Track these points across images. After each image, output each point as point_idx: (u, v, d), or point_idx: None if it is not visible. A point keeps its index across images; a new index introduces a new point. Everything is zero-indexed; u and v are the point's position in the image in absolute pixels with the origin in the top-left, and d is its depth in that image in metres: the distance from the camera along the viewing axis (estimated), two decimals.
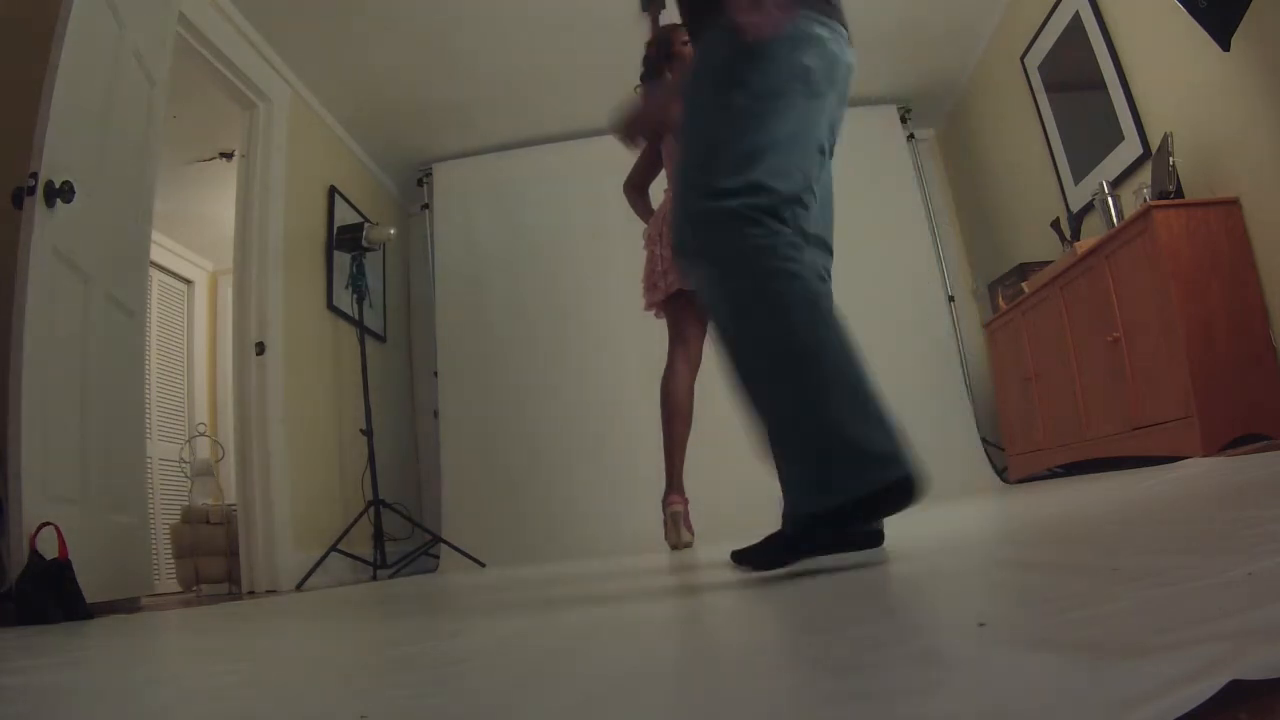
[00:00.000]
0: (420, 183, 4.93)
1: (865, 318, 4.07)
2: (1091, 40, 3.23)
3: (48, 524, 1.97)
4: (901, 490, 1.11)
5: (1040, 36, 3.63)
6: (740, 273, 1.22)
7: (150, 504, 2.92)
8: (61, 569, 1.96)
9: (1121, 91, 3.09)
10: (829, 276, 1.50)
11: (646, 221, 3.00)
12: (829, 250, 1.51)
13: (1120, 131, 3.14)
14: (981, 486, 3.79)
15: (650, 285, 2.89)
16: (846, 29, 1.40)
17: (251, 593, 3.25)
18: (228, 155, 4.50)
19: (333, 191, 4.24)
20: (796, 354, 1.17)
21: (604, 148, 2.77)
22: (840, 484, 1.12)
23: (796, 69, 1.29)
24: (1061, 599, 0.69)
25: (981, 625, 0.60)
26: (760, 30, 1.26)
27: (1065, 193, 3.66)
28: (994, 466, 3.98)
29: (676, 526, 2.69)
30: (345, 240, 3.96)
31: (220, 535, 3.96)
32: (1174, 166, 2.69)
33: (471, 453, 4.30)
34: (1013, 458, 3.87)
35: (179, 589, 4.08)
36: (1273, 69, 2.37)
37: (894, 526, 1.35)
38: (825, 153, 1.40)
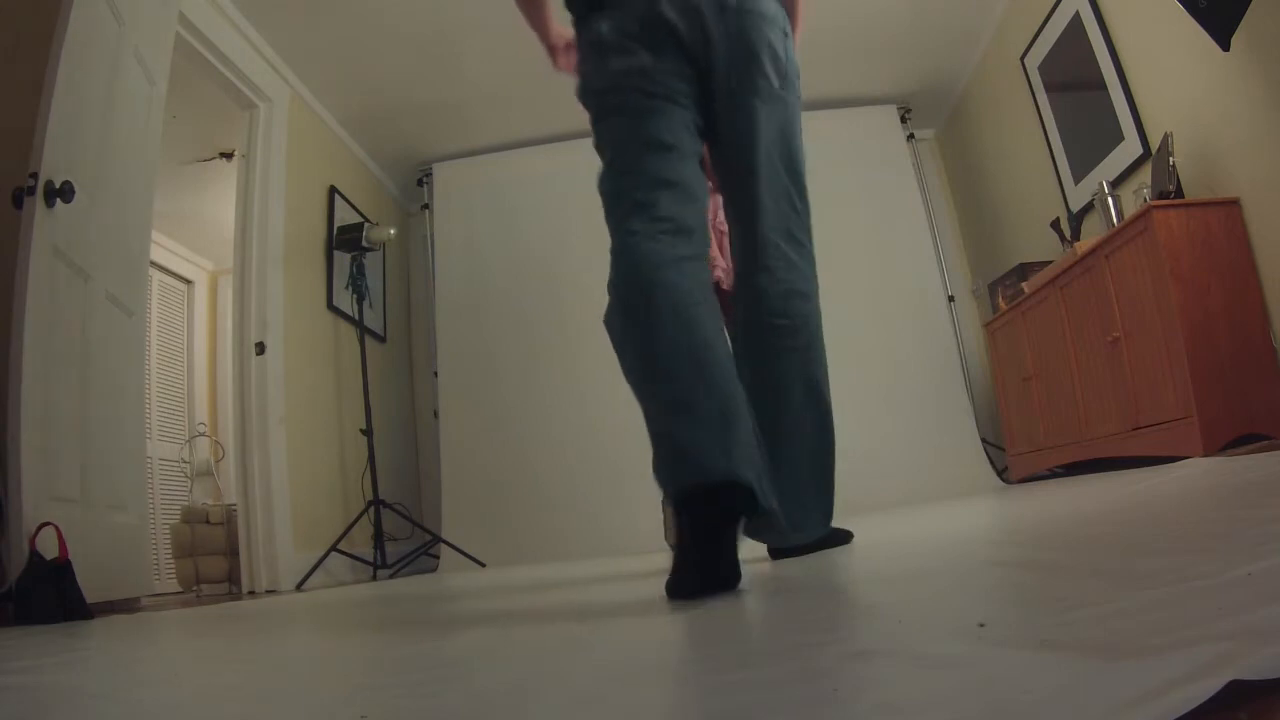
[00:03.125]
0: (420, 183, 4.93)
1: (865, 318, 4.16)
2: (1091, 40, 3.23)
3: (48, 524, 1.97)
4: (708, 495, 1.10)
5: (1040, 37, 3.62)
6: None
7: (150, 504, 2.92)
8: (61, 569, 1.96)
9: (1121, 91, 3.09)
10: (696, 258, 1.38)
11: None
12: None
13: (1120, 131, 3.14)
14: (981, 487, 3.79)
15: None
16: None
17: (251, 593, 3.25)
18: (228, 155, 4.50)
19: (333, 191, 4.24)
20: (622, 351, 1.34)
21: None
22: (659, 472, 1.17)
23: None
24: (1062, 599, 0.69)
25: (981, 626, 0.60)
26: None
27: (1065, 193, 3.66)
28: (994, 467, 3.98)
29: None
30: (345, 240, 3.96)
31: (220, 535, 3.95)
32: (1174, 166, 2.68)
33: (471, 453, 4.30)
34: (1013, 458, 3.87)
35: (179, 589, 4.08)
36: (1273, 69, 2.37)
37: (894, 525, 1.35)
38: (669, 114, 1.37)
